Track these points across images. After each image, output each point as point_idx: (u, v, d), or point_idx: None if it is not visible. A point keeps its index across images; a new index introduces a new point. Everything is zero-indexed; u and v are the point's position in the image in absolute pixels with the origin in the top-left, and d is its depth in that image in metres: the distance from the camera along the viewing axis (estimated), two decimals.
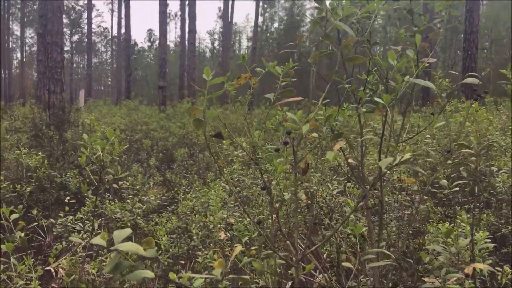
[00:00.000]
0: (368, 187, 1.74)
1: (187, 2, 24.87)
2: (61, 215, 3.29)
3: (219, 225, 2.75)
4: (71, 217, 3.24)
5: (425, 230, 3.77)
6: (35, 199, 5.19)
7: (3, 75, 39.06)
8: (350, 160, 1.90)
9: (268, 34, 56.22)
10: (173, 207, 4.43)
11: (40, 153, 5.80)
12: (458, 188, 3.81)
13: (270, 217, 1.07)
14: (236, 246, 1.08)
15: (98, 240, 0.78)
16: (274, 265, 1.18)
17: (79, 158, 2.49)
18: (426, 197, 3.65)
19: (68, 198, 3.42)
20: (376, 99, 1.64)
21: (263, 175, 1.08)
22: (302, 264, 2.34)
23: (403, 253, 3.60)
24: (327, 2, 1.56)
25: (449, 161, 3.29)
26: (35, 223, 3.59)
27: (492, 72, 48.05)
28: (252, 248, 1.46)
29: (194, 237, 3.06)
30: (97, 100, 22.23)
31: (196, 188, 4.51)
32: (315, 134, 1.44)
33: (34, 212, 3.18)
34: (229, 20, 34.56)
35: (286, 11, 55.04)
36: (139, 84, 60.49)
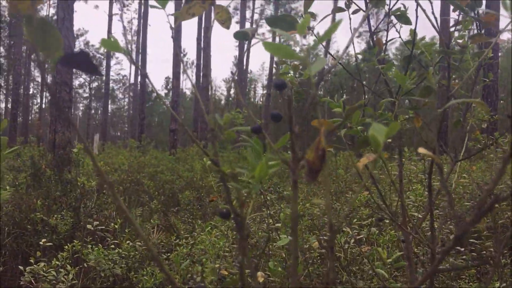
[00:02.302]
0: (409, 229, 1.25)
1: (202, 47, 25.13)
2: (32, 260, 2.81)
3: (210, 279, 2.24)
4: (42, 264, 2.75)
5: None
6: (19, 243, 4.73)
7: (19, 119, 39.58)
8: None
9: None
10: (169, 254, 3.94)
11: (32, 192, 5.41)
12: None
13: (240, 272, 0.59)
14: None
15: None
16: None
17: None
18: (463, 249, 3.10)
19: (44, 240, 2.94)
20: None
21: (227, 188, 0.59)
22: None
23: None
24: None
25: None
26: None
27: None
28: None
29: None
30: (107, 143, 22.19)
31: (196, 234, 4.02)
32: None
33: None
34: (244, 68, 34.91)
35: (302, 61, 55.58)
36: (154, 130, 61.01)
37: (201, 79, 24.60)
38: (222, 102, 67.05)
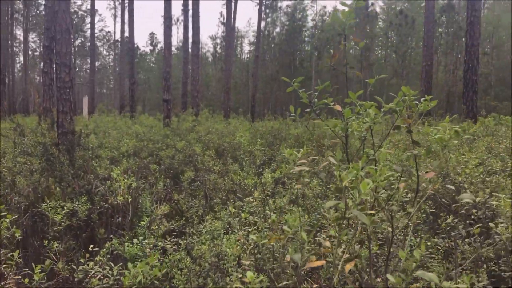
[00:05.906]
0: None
1: (190, 9, 25.02)
2: (82, 260, 3.47)
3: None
4: (91, 263, 3.42)
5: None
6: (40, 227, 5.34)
7: (7, 80, 39.27)
8: None
9: (270, 39, 56.43)
10: (185, 240, 4.54)
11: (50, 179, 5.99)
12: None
13: None
14: None
15: None
16: None
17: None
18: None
19: (91, 246, 3.57)
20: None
21: None
22: None
23: None
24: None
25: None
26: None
27: (494, 77, 47.88)
28: None
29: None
30: (99, 104, 22.55)
31: (207, 222, 4.63)
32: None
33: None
34: (232, 25, 34.73)
35: (288, 16, 55.23)
36: (141, 88, 60.84)
37: (189, 42, 24.70)
38: (209, 59, 66.72)
